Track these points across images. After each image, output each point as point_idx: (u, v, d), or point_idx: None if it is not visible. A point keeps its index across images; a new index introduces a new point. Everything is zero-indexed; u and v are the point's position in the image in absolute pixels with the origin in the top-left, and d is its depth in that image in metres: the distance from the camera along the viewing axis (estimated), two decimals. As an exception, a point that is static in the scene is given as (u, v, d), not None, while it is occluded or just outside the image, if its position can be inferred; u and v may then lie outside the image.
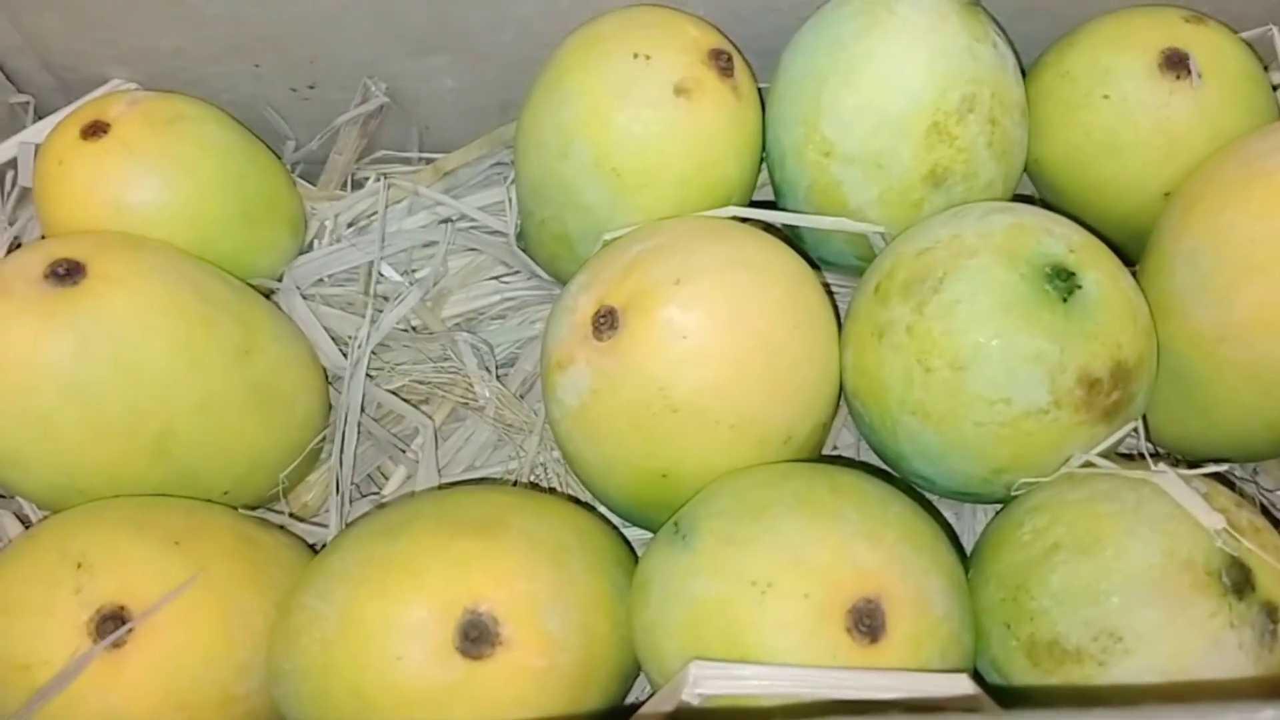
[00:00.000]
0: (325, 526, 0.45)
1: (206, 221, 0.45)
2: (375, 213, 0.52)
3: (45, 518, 0.40)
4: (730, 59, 0.43)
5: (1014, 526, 0.38)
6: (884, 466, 0.44)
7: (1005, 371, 0.37)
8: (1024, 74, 0.46)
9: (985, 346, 0.37)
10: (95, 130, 0.44)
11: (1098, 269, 0.38)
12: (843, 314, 0.43)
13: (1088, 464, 0.38)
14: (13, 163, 0.50)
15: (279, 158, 0.52)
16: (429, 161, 0.53)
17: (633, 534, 0.44)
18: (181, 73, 0.49)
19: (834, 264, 0.48)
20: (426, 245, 0.52)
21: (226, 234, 0.46)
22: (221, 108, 0.50)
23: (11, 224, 0.49)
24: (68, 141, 0.44)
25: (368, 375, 0.48)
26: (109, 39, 0.48)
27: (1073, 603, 0.35)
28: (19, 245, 0.49)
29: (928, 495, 0.44)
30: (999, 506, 0.42)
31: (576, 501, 0.44)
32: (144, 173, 0.44)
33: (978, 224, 0.39)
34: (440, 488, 0.45)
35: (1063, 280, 0.37)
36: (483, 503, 0.37)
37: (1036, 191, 0.49)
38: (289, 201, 0.50)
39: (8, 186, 0.50)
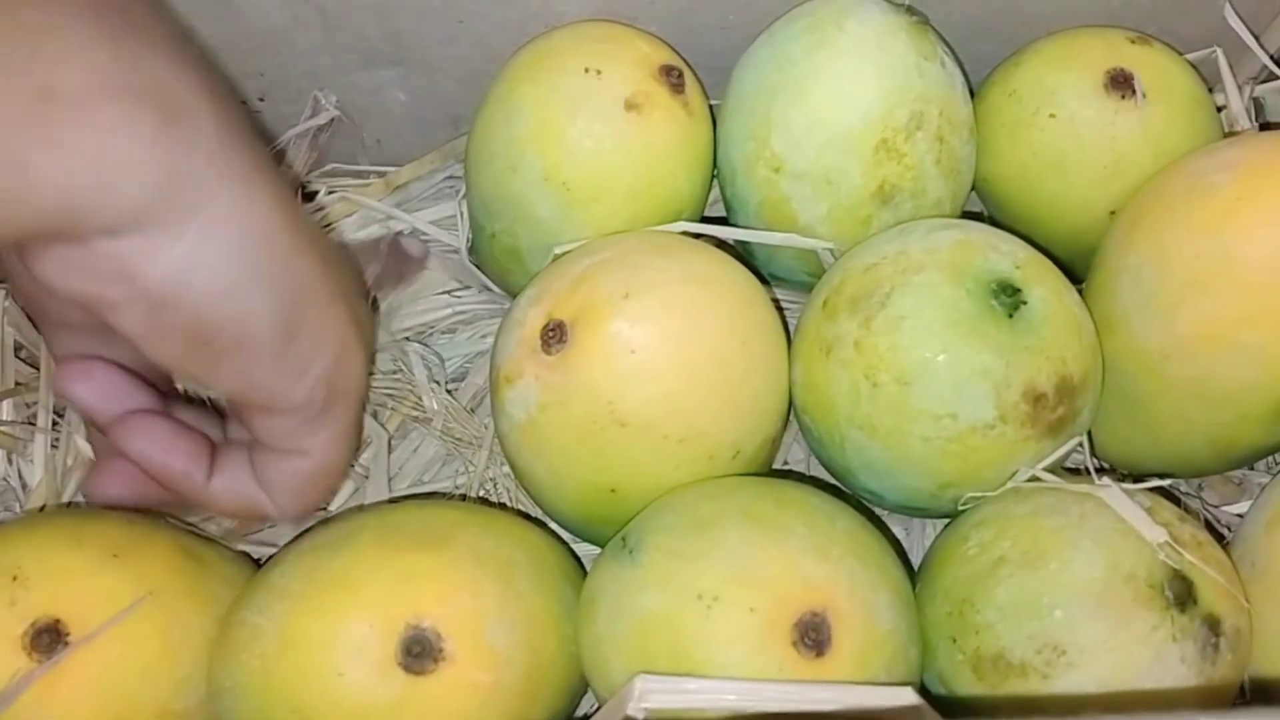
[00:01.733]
0: (274, 546, 0.44)
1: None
2: (326, 226, 0.51)
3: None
4: (681, 75, 0.43)
5: (960, 541, 0.38)
6: (833, 481, 0.44)
7: (951, 386, 0.37)
8: (973, 93, 0.46)
9: (931, 362, 0.37)
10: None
11: (1043, 285, 0.38)
12: (793, 329, 0.43)
13: (1033, 479, 0.38)
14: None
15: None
16: (380, 175, 0.53)
17: (583, 549, 0.43)
18: (130, 84, 0.49)
19: (784, 280, 0.48)
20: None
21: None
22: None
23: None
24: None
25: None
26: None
27: (1017, 616, 0.35)
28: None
29: (877, 510, 0.44)
30: (947, 521, 0.42)
31: (525, 516, 0.44)
32: None
33: (924, 240, 0.39)
34: (387, 502, 0.45)
35: (1008, 296, 0.37)
36: (428, 517, 0.37)
37: (985, 209, 0.50)
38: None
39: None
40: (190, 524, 0.42)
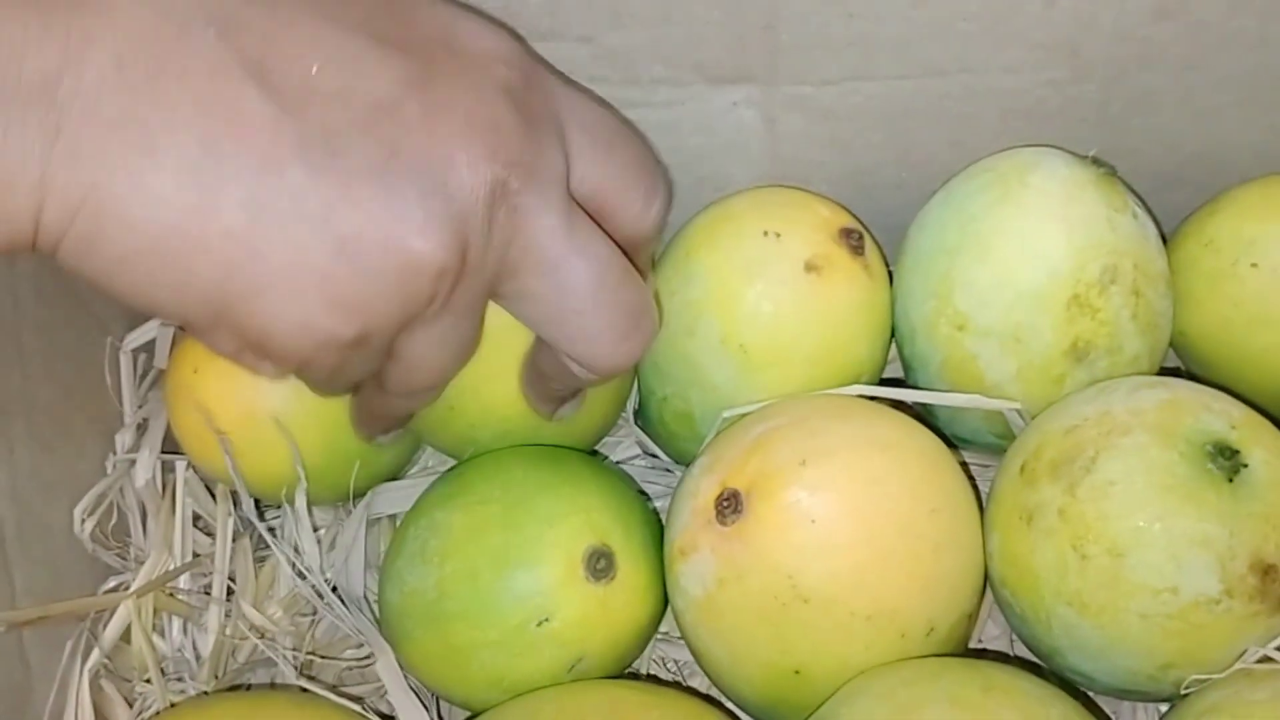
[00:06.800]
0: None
1: (335, 424, 0.44)
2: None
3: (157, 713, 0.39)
4: (861, 237, 0.42)
5: (1189, 732, 0.34)
6: (1036, 660, 0.41)
7: (1170, 558, 0.34)
8: (1166, 245, 0.44)
9: (1146, 531, 0.34)
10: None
11: (1263, 446, 0.35)
12: (981, 494, 0.40)
13: (1266, 659, 0.34)
14: (150, 344, 0.50)
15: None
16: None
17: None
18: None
19: (969, 442, 0.45)
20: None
21: (353, 434, 0.44)
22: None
23: (141, 405, 0.50)
24: (203, 349, 0.43)
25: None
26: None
27: (1265, 821, 0.31)
28: (146, 426, 0.49)
29: (1088, 692, 0.40)
30: (1166, 706, 0.38)
31: (703, 697, 0.41)
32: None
33: (1128, 399, 0.37)
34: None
35: (1226, 459, 0.34)
36: (606, 701, 0.35)
37: (1183, 364, 0.47)
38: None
39: (140, 368, 0.51)
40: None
